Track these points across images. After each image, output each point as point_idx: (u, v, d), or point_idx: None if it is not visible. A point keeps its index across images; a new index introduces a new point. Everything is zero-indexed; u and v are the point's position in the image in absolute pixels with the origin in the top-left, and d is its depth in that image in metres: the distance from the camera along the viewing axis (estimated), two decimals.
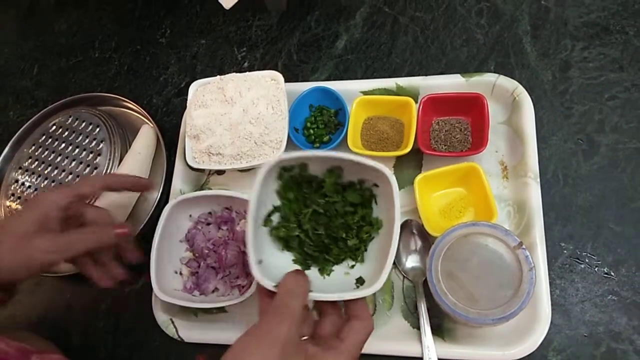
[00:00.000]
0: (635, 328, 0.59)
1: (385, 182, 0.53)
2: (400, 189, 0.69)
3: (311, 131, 0.74)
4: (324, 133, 0.74)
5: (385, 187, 0.54)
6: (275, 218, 0.56)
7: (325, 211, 0.56)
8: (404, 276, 0.65)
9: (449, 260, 0.55)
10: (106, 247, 0.60)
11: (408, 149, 0.67)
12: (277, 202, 0.57)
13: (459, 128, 0.69)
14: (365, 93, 0.74)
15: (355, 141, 0.71)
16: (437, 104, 0.69)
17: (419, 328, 0.61)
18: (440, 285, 0.54)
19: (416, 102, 0.70)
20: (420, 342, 0.60)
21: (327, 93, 0.74)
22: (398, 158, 0.71)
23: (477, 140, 0.67)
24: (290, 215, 0.56)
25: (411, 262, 0.65)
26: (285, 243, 0.56)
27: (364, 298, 0.50)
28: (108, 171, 0.75)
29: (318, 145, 0.73)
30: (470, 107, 0.68)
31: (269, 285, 0.49)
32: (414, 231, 0.66)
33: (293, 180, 0.56)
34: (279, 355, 0.42)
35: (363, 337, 0.49)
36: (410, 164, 0.70)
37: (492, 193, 0.62)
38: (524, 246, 0.53)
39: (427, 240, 0.65)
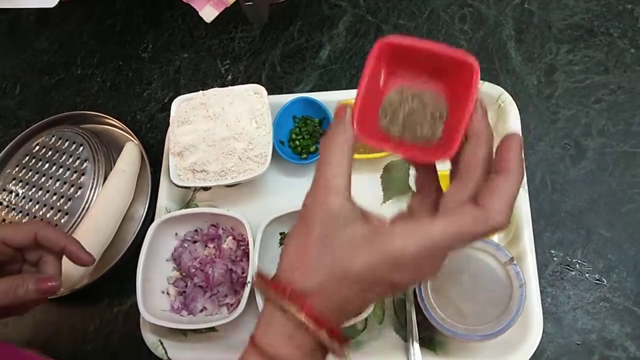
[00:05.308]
0: (628, 335, 0.58)
1: None
2: (388, 199, 0.69)
3: (297, 142, 0.73)
4: (310, 143, 0.73)
5: None
6: None
7: None
8: None
9: (439, 274, 0.54)
10: (26, 303, 0.54)
11: None
12: None
13: None
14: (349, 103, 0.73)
15: None
16: None
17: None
18: (430, 300, 0.54)
19: None
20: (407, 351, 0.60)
21: (309, 103, 0.73)
22: (387, 164, 0.70)
23: None
24: None
25: None
26: None
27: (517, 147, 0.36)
28: (93, 190, 0.74)
29: (305, 156, 0.73)
30: None
31: None
32: None
33: None
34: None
35: (512, 194, 0.35)
36: (402, 168, 0.69)
37: None
38: (515, 262, 0.52)
39: None
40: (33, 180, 0.78)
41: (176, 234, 0.71)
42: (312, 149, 0.73)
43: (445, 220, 0.34)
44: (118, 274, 0.73)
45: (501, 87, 0.68)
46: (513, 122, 0.66)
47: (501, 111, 0.67)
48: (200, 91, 0.73)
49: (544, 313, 0.58)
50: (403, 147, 0.38)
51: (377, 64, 0.38)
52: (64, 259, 0.67)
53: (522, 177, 0.35)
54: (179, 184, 0.71)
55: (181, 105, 0.74)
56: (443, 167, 0.38)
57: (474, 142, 0.35)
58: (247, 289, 0.62)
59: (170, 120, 0.74)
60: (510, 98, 0.67)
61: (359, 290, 0.36)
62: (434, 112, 0.38)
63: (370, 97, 0.38)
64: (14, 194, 0.78)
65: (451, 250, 0.36)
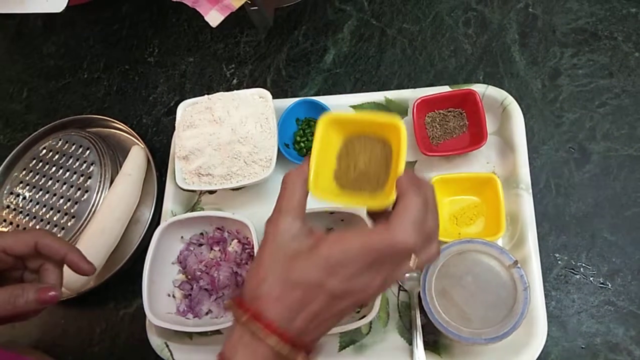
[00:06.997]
0: (632, 338, 0.58)
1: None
2: None
3: (302, 144, 0.74)
4: None
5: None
6: None
7: None
8: (399, 289, 0.65)
9: (444, 277, 0.55)
10: (27, 312, 0.53)
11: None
12: None
13: (453, 114, 0.69)
14: (354, 107, 0.73)
15: None
16: (430, 105, 0.69)
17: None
18: (434, 303, 0.54)
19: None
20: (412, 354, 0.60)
21: (311, 104, 0.74)
22: None
23: (476, 134, 0.67)
24: None
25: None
26: None
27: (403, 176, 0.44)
28: (99, 194, 0.75)
29: None
30: (464, 104, 0.68)
31: None
32: None
33: None
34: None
35: (411, 214, 0.40)
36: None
37: (504, 207, 0.62)
38: (519, 265, 0.52)
39: None
40: (40, 183, 0.79)
41: (182, 237, 0.72)
42: None
43: (361, 235, 0.40)
44: (124, 277, 0.73)
45: (505, 90, 0.68)
46: (517, 125, 0.66)
47: (505, 115, 0.67)
48: (206, 95, 0.74)
49: (548, 317, 0.58)
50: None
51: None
52: None
53: (419, 198, 0.41)
54: (185, 187, 0.71)
55: (187, 109, 0.74)
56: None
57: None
58: None
59: (175, 124, 0.74)
60: (515, 102, 0.67)
61: (302, 296, 0.40)
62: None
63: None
64: (21, 197, 0.79)
65: (372, 266, 0.40)
